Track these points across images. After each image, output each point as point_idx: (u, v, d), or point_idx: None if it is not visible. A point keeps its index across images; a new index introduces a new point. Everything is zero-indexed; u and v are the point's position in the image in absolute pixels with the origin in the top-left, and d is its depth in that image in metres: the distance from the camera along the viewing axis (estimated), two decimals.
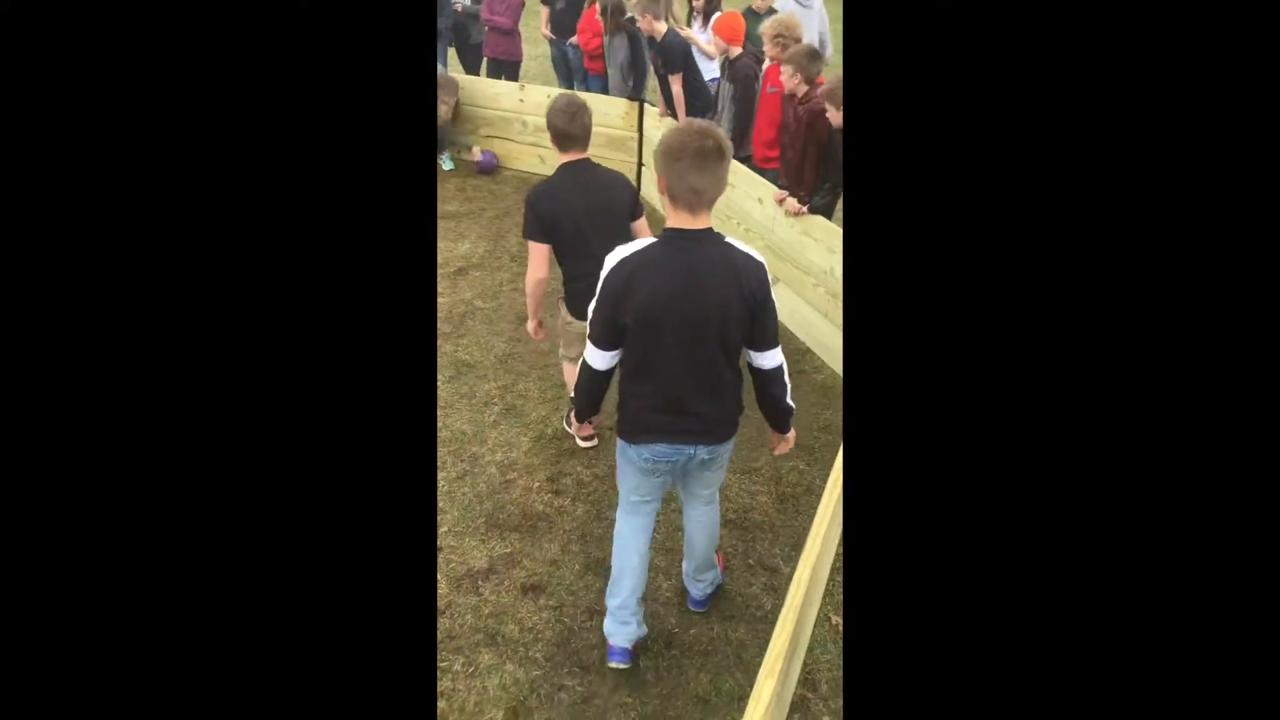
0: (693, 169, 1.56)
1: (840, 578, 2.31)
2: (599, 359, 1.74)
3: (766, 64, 3.64)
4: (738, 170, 3.70)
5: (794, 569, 1.63)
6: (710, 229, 1.66)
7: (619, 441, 1.88)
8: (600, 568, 2.35)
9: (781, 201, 3.35)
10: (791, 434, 1.94)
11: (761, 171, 3.63)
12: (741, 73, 3.71)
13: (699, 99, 4.46)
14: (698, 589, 2.20)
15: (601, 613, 2.19)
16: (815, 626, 2.15)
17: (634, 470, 1.89)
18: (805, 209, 3.21)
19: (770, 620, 2.16)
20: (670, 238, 1.65)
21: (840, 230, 3.06)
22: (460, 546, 2.42)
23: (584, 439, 2.88)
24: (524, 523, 2.52)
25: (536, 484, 2.68)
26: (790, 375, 1.88)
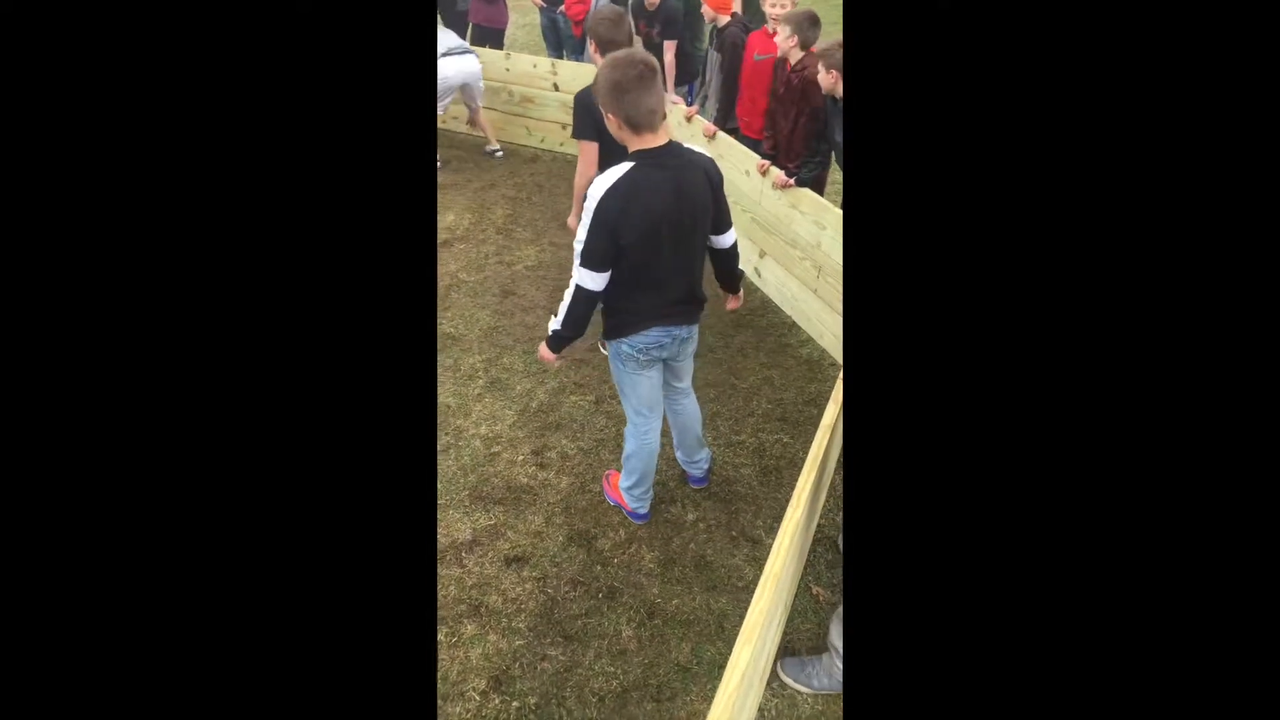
0: (642, 93, 1.74)
1: (821, 549, 2.33)
2: (594, 280, 1.89)
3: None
4: (724, 141, 3.65)
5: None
6: (672, 141, 1.85)
7: (612, 346, 2.08)
8: (584, 539, 2.36)
9: (765, 172, 3.32)
10: (741, 293, 2.31)
11: (749, 142, 3.59)
12: (729, 41, 3.65)
13: (687, 67, 4.40)
14: (696, 469, 2.50)
15: (584, 584, 2.21)
16: (796, 596, 2.17)
17: (633, 368, 2.10)
18: (792, 181, 3.18)
19: (751, 590, 2.18)
20: (646, 158, 1.81)
21: (829, 205, 3.04)
22: (444, 519, 2.42)
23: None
24: (508, 495, 2.52)
25: (520, 457, 2.68)
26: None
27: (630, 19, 2.59)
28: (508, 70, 5.10)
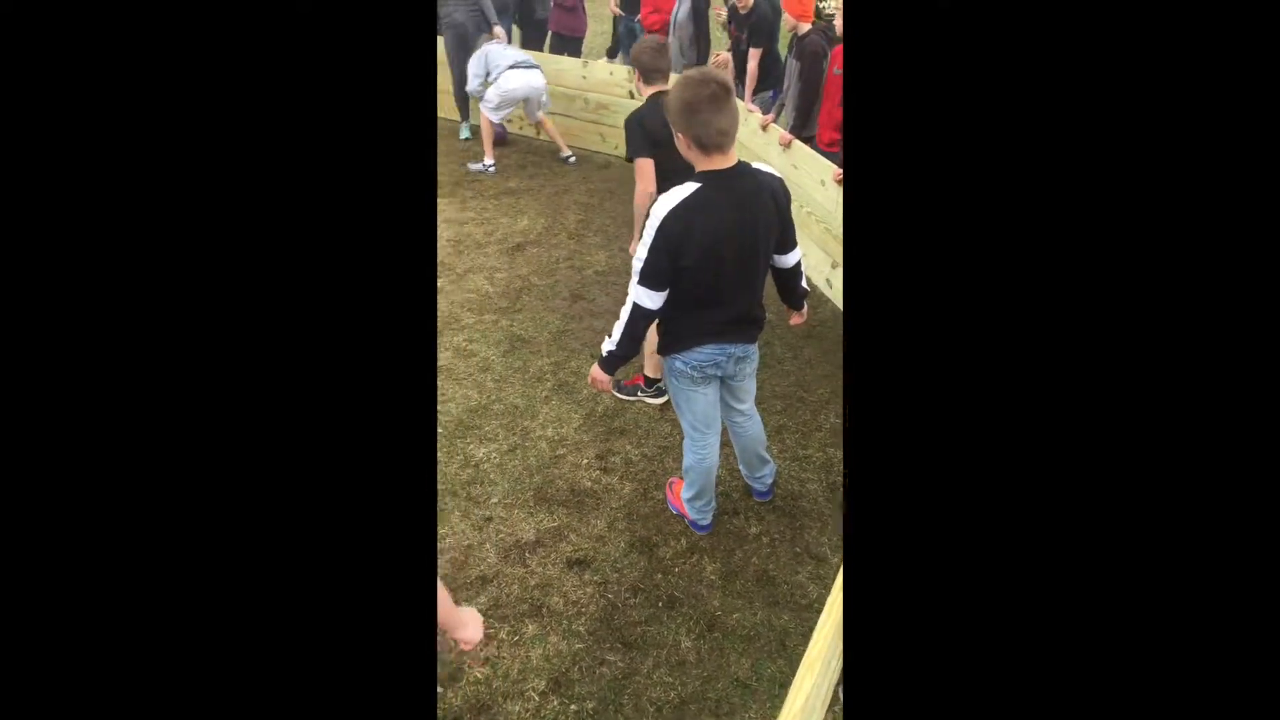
0: (714, 114, 1.72)
1: None
2: (652, 299, 1.89)
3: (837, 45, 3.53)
4: (801, 151, 3.61)
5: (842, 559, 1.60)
6: (741, 161, 1.83)
7: (667, 362, 2.08)
8: (646, 546, 2.36)
9: (840, 181, 3.26)
10: (805, 309, 2.29)
11: (826, 155, 3.54)
12: (809, 49, 3.60)
13: (769, 75, 4.37)
14: (760, 484, 2.47)
15: (645, 591, 2.21)
16: None
17: (687, 385, 2.08)
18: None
19: (815, 609, 2.14)
20: (713, 179, 1.80)
21: None
22: (509, 518, 2.46)
23: (624, 392, 2.98)
24: (572, 498, 2.54)
25: (585, 461, 2.70)
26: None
27: (673, 47, 2.67)
28: (584, 78, 5.18)
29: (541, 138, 5.48)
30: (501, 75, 4.66)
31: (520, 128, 5.57)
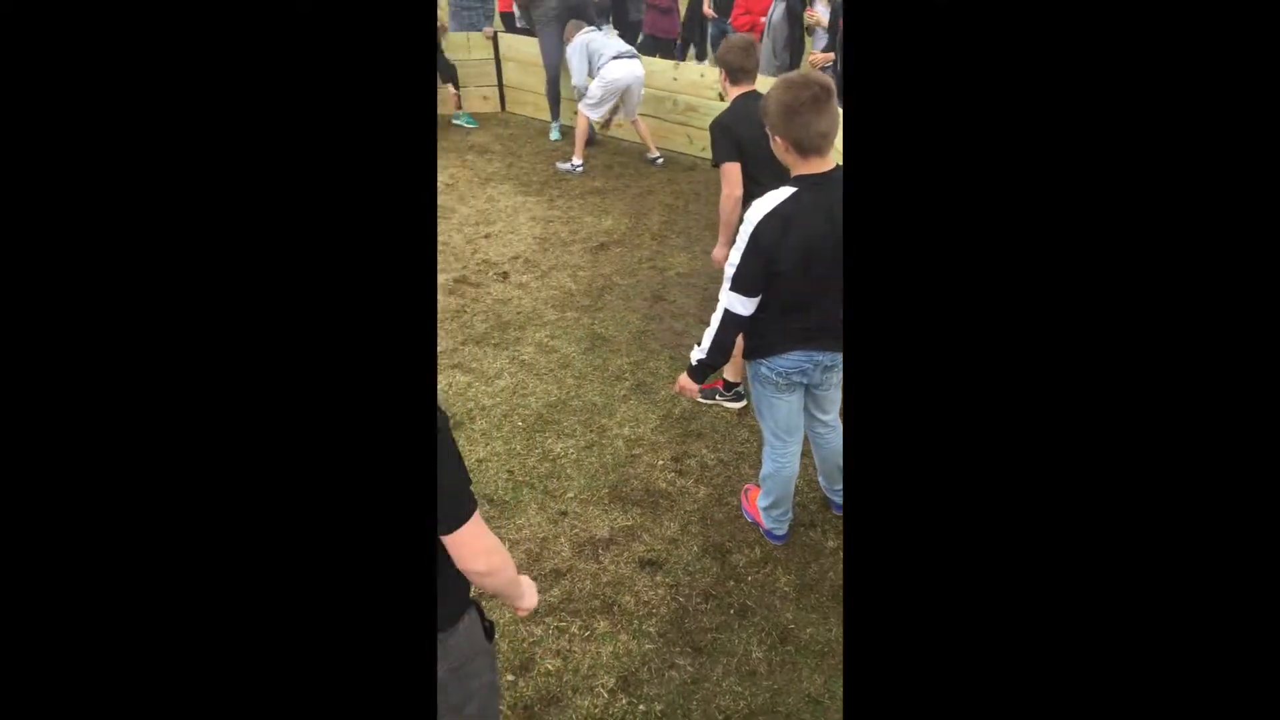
0: (814, 116, 1.71)
1: None
2: (744, 305, 1.87)
3: None
4: None
5: None
6: (838, 165, 1.82)
7: (751, 367, 2.06)
8: (719, 552, 2.34)
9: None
10: None
11: None
12: None
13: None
14: (840, 497, 2.43)
15: (716, 598, 2.19)
16: None
17: (771, 391, 2.06)
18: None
19: None
20: (809, 183, 1.79)
21: None
22: (584, 514, 2.48)
23: (703, 395, 2.95)
24: (646, 498, 2.55)
25: (661, 462, 2.70)
26: None
27: (765, 49, 2.62)
28: (674, 79, 5.18)
29: (631, 139, 5.52)
30: (605, 66, 4.69)
31: (607, 129, 5.63)
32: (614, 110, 5.06)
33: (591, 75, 4.80)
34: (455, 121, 5.92)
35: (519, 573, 1.28)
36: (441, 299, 3.67)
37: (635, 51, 4.85)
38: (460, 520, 1.10)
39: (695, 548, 2.36)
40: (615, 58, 4.70)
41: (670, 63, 5.27)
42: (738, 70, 2.59)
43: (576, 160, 5.07)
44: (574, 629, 2.09)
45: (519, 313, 3.58)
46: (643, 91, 4.92)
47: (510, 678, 1.95)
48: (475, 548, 1.12)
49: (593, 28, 4.93)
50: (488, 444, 2.77)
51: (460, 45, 5.89)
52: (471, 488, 1.13)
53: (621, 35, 5.73)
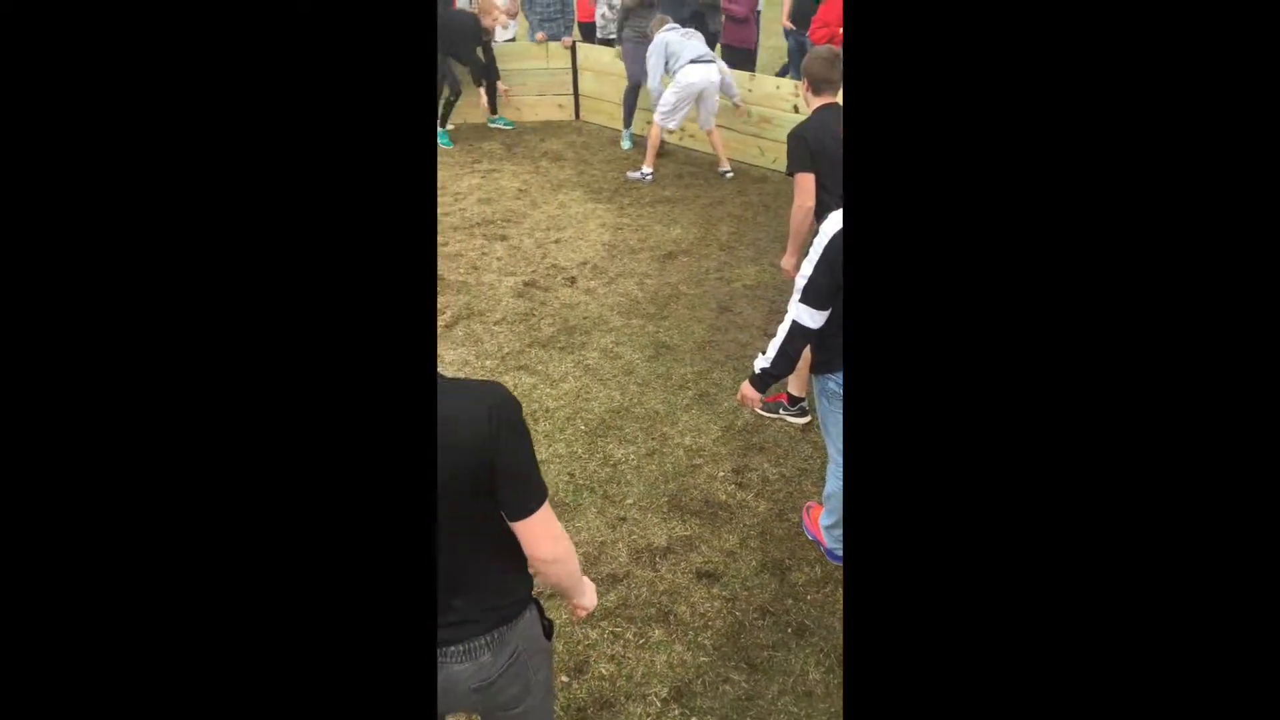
0: None
1: None
2: (814, 318, 1.85)
3: None
4: None
5: None
6: None
7: (818, 382, 2.06)
8: (778, 568, 2.31)
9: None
10: None
11: None
12: None
13: None
14: None
15: (774, 615, 2.16)
16: None
17: (838, 406, 2.04)
18: None
19: None
20: None
21: None
22: (643, 521, 2.48)
23: (766, 409, 2.92)
24: (705, 509, 2.53)
25: (721, 473, 2.68)
26: None
27: (841, 61, 2.57)
28: (750, 90, 5.17)
29: (703, 149, 5.53)
30: (681, 69, 4.67)
31: (679, 139, 5.65)
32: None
33: (668, 76, 4.79)
34: (491, 124, 6.01)
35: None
36: (510, 301, 3.75)
37: (714, 55, 4.82)
38: (532, 507, 1.12)
39: (754, 562, 2.33)
40: (692, 61, 4.68)
41: (746, 74, 5.25)
42: (822, 81, 2.58)
43: (646, 169, 5.10)
44: (629, 635, 2.09)
45: (585, 318, 3.62)
46: (718, 99, 4.90)
47: (564, 679, 1.96)
48: (544, 534, 1.14)
49: (675, 25, 4.91)
50: (550, 446, 2.80)
51: (539, 54, 6.02)
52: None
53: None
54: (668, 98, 4.79)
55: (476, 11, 5.42)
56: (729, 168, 5.18)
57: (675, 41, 4.75)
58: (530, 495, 1.12)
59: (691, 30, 4.92)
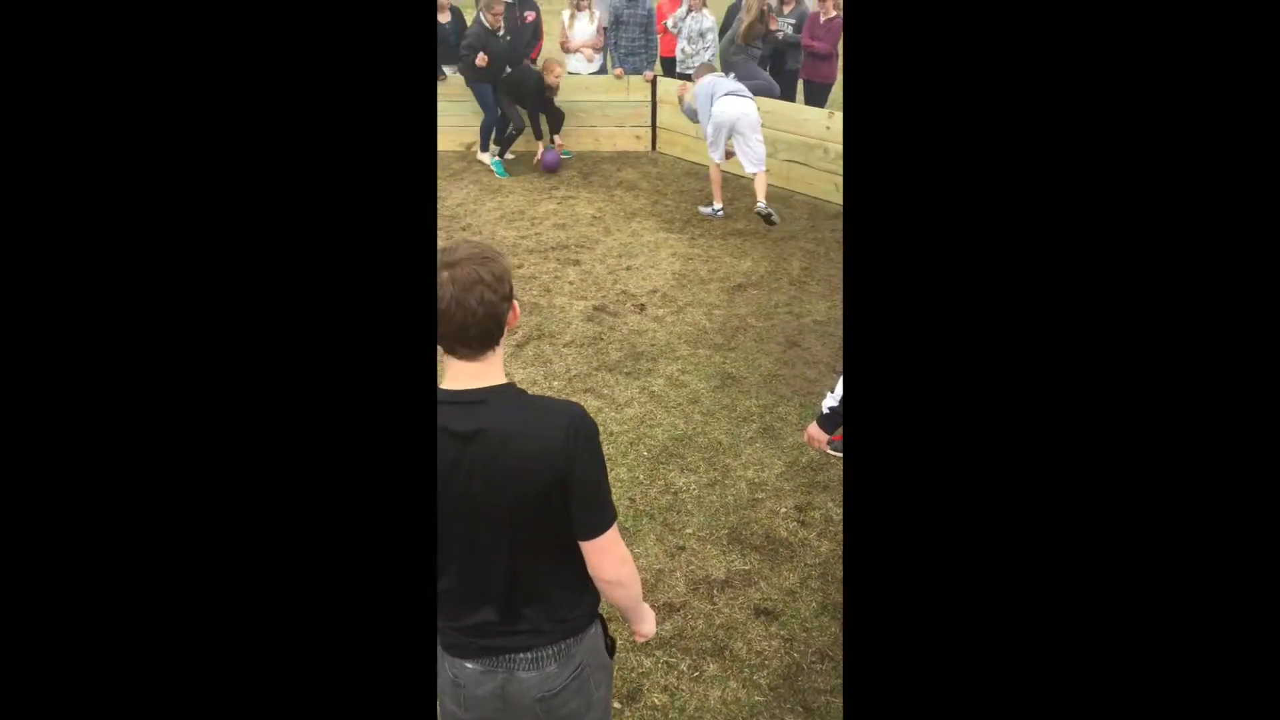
0: None
1: None
2: None
3: None
4: None
5: None
6: None
7: None
8: (839, 612, 2.24)
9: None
10: None
11: None
12: None
13: None
14: None
15: (834, 659, 2.09)
16: None
17: None
18: None
19: None
20: None
21: None
22: (702, 552, 2.46)
23: (832, 448, 2.83)
24: (766, 545, 2.49)
25: (784, 509, 2.64)
26: None
27: None
28: (828, 129, 5.17)
29: (775, 184, 5.54)
30: (716, 103, 4.70)
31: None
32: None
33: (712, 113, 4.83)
34: (481, 158, 6.06)
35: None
36: (579, 325, 3.81)
37: (750, 94, 4.79)
38: (603, 528, 1.13)
39: (814, 604, 2.27)
40: (726, 94, 4.70)
41: (824, 110, 5.26)
42: None
43: (717, 204, 5.13)
44: (683, 667, 2.06)
45: (652, 345, 3.64)
46: (760, 141, 4.73)
47: (617, 705, 1.95)
48: (612, 556, 1.15)
49: (718, 73, 5.03)
50: (612, 470, 2.82)
51: (619, 87, 6.17)
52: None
53: (781, 84, 5.79)
54: (709, 131, 4.84)
55: (541, 69, 5.68)
56: (764, 205, 4.80)
57: (716, 82, 4.85)
58: (600, 516, 1.13)
59: (739, 71, 5.04)
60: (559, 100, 5.86)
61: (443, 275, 1.04)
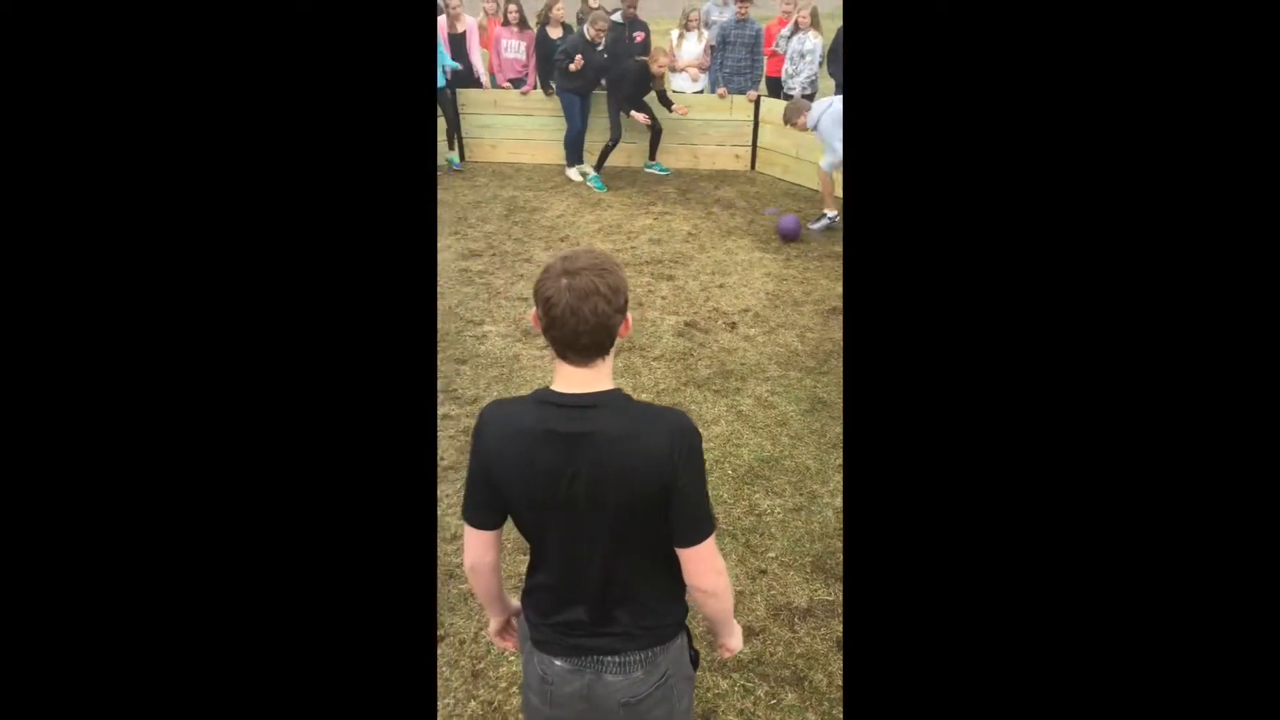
0: None
1: None
2: None
3: None
4: None
5: None
6: None
7: None
8: None
9: None
10: None
11: None
12: None
13: None
14: None
15: None
16: None
17: None
18: None
19: None
20: None
21: None
22: (784, 577, 2.41)
23: None
24: None
25: None
26: None
27: None
28: None
29: None
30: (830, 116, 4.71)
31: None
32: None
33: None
34: (647, 169, 6.17)
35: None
36: (670, 340, 3.83)
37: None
38: (702, 536, 1.13)
39: None
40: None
41: None
42: None
43: (831, 212, 5.08)
44: (760, 693, 2.02)
45: (742, 364, 3.62)
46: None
47: None
48: (708, 566, 1.15)
49: (827, 98, 4.99)
50: None
51: (722, 106, 6.20)
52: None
53: None
54: (839, 150, 4.78)
55: (646, 60, 5.70)
56: (833, 214, 5.03)
57: (834, 101, 4.83)
58: (701, 525, 1.13)
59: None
60: (661, 116, 5.94)
61: (561, 282, 1.07)
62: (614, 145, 5.89)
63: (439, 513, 2.65)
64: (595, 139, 6.01)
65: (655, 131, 6.03)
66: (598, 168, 6.01)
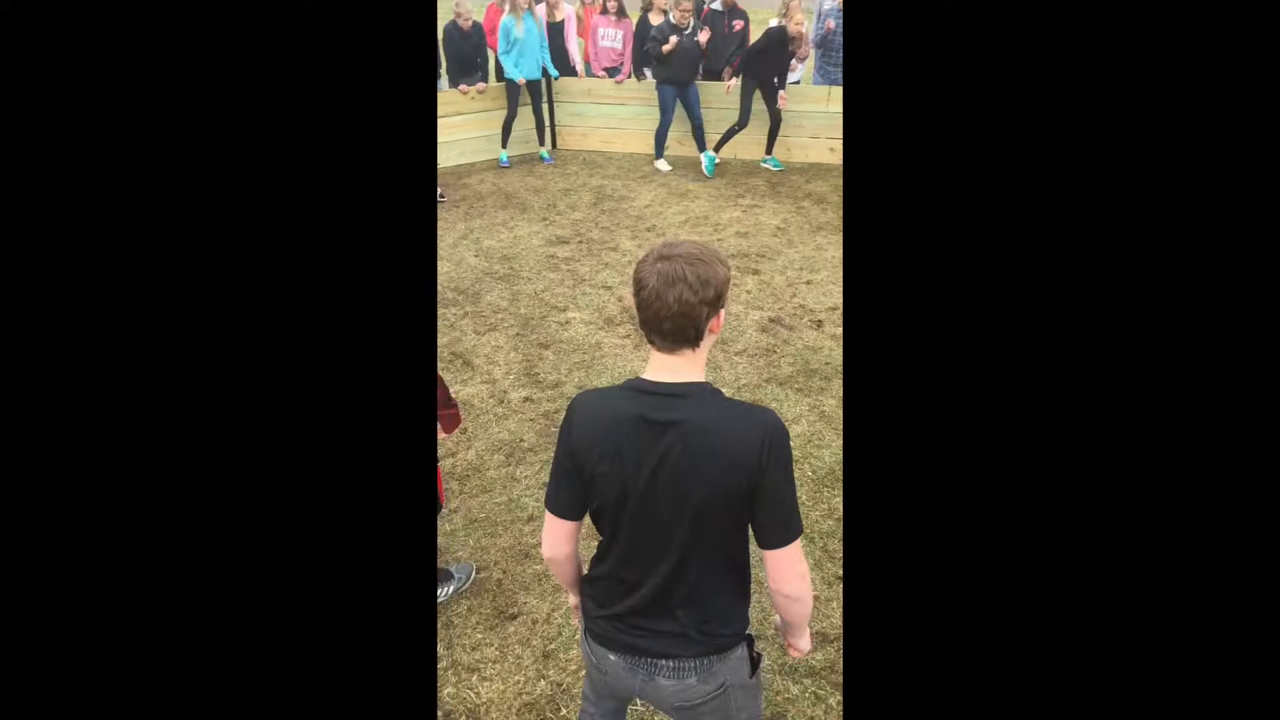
0: None
1: None
2: None
3: None
4: None
5: None
6: None
7: None
8: None
9: None
10: None
11: None
12: None
13: None
14: None
15: None
16: None
17: None
18: None
19: None
20: None
21: None
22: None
23: None
24: None
25: None
26: None
27: None
28: None
29: None
30: None
31: None
32: None
33: None
34: (763, 164, 6.04)
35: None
36: (753, 335, 3.77)
37: None
38: (789, 539, 1.10)
39: None
40: None
41: None
42: None
43: None
44: (832, 701, 1.96)
45: (827, 363, 3.52)
46: None
47: None
48: (794, 570, 1.13)
49: None
50: None
51: (820, 97, 6.04)
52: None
53: None
54: None
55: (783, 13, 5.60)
56: None
57: None
58: (789, 526, 1.10)
59: None
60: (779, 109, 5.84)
61: (657, 265, 1.07)
62: (740, 128, 5.84)
63: (515, 494, 2.71)
64: (716, 124, 5.97)
65: (775, 123, 5.94)
66: (717, 148, 5.96)
